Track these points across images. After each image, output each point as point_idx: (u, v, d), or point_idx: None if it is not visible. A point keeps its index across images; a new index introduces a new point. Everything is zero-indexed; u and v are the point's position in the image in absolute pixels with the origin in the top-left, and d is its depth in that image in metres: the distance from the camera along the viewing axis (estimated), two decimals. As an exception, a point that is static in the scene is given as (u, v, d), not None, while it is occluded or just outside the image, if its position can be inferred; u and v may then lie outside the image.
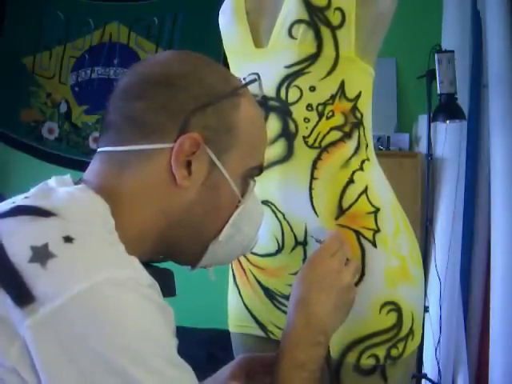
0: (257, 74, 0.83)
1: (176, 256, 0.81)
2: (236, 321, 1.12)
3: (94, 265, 0.61)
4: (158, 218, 0.74)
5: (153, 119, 0.72)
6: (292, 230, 0.99)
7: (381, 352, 0.95)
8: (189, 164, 0.73)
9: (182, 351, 0.68)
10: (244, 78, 0.81)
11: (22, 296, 0.58)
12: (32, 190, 0.72)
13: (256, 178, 1.00)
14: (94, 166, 0.76)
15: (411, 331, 0.98)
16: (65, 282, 0.59)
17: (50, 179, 0.76)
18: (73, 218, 0.65)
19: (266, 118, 0.98)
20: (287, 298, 0.92)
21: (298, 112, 0.97)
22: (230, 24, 1.05)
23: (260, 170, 0.82)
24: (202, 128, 0.73)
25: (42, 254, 0.60)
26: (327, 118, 0.97)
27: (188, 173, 0.73)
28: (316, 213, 0.97)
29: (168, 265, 1.51)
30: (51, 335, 0.58)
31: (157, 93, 0.73)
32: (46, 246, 0.61)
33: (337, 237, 0.90)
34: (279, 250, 1.02)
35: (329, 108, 0.96)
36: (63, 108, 3.48)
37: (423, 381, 2.45)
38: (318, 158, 0.97)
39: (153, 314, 0.63)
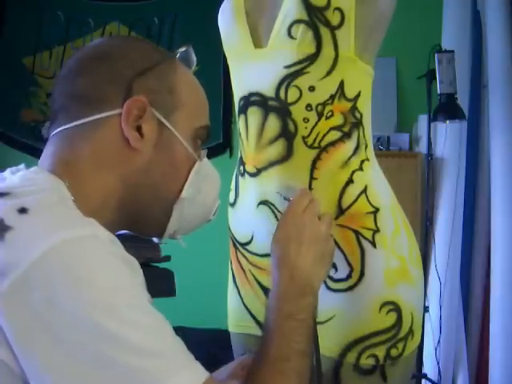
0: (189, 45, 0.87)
1: (141, 224, 0.82)
2: (236, 321, 1.12)
3: (51, 228, 0.62)
4: (116, 184, 0.75)
5: (96, 91, 0.75)
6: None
7: (380, 352, 0.95)
8: (139, 128, 0.75)
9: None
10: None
11: None
12: None
13: (256, 178, 1.01)
14: (47, 151, 0.78)
15: (411, 331, 0.98)
16: (24, 249, 0.60)
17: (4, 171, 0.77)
18: (26, 194, 0.66)
19: (266, 118, 0.98)
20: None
21: (298, 112, 0.97)
22: (230, 24, 1.05)
23: (207, 130, 0.83)
24: (145, 91, 0.76)
25: None
26: (326, 118, 0.97)
27: (140, 136, 0.75)
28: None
29: (168, 265, 1.51)
30: (20, 304, 0.58)
31: (95, 67, 0.76)
32: (1, 221, 0.62)
33: (305, 193, 0.90)
34: (279, 250, 1.01)
35: (328, 108, 0.96)
36: (63, 108, 3.48)
37: (423, 381, 2.45)
38: (318, 157, 0.97)
39: (116, 266, 0.64)
